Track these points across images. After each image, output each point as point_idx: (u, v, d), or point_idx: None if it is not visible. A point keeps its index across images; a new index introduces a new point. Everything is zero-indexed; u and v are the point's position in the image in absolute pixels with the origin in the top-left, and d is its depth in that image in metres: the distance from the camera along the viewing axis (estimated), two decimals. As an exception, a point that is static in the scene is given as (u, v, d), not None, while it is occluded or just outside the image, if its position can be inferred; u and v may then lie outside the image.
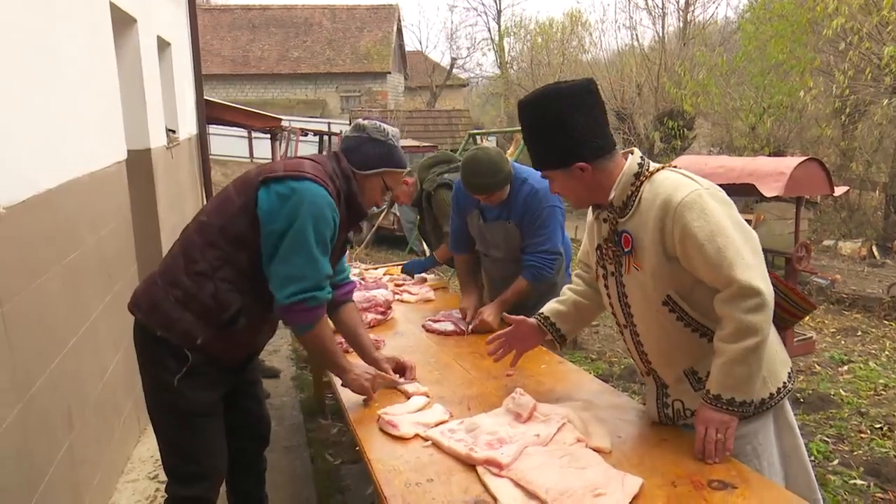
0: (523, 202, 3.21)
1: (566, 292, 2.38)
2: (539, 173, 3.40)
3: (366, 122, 2.32)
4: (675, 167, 1.94)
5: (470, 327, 3.17)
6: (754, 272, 1.73)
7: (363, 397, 2.36)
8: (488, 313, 3.18)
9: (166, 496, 2.31)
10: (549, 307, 2.39)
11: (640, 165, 1.90)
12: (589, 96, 1.88)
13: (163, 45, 5.72)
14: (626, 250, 1.92)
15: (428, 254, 4.99)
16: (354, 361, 2.44)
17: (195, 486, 2.24)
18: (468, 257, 3.58)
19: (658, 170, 1.90)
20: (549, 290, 3.14)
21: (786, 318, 2.03)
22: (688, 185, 1.82)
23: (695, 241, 1.75)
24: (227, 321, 2.13)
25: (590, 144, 1.87)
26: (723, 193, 1.85)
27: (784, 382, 1.95)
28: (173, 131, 5.81)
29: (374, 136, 2.29)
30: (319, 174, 2.15)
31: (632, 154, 1.94)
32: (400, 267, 4.56)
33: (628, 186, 1.89)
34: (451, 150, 14.49)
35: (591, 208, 2.08)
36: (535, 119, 1.93)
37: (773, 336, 1.90)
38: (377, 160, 2.28)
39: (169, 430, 2.25)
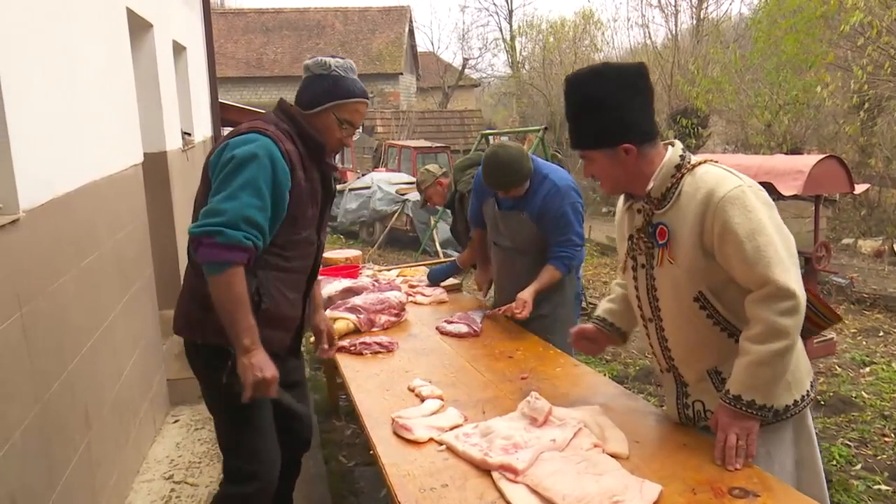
0: (543, 199, 3.24)
1: (616, 289, 2.33)
2: (560, 171, 3.44)
3: (309, 60, 2.26)
4: (716, 161, 1.89)
5: (501, 311, 3.28)
6: (791, 275, 1.71)
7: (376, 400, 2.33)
8: (528, 295, 3.20)
9: (217, 495, 2.31)
10: (603, 307, 2.35)
11: (682, 157, 1.87)
12: (641, 80, 1.86)
13: (178, 50, 5.76)
14: (660, 242, 1.88)
15: (442, 255, 4.98)
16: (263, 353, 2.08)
17: (250, 486, 2.23)
18: (485, 232, 3.67)
19: (700, 163, 1.87)
20: (555, 287, 3.29)
21: (809, 328, 1.97)
22: (731, 180, 1.78)
23: (734, 238, 1.72)
24: (254, 306, 2.09)
25: (637, 128, 1.85)
26: (765, 193, 1.81)
27: (807, 390, 1.91)
28: (189, 134, 5.85)
29: (316, 73, 2.22)
30: (255, 126, 2.13)
31: (672, 146, 1.90)
32: (413, 268, 4.57)
33: (668, 178, 1.86)
34: (464, 151, 14.49)
35: (622, 199, 2.05)
36: (585, 95, 1.88)
37: (798, 343, 1.85)
38: (323, 96, 2.21)
39: (227, 430, 2.27)
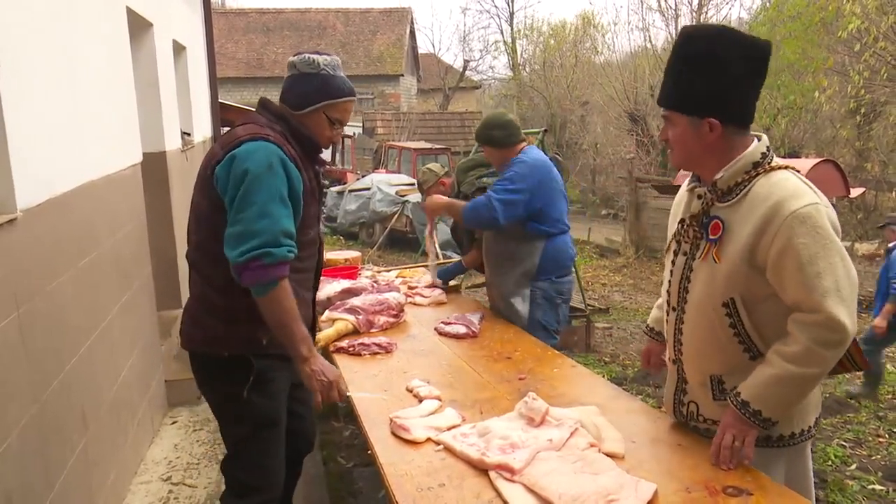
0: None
1: (663, 294, 2.14)
2: (534, 155, 3.46)
3: (295, 58, 2.21)
4: (797, 171, 1.76)
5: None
6: (845, 308, 1.62)
7: (376, 395, 2.33)
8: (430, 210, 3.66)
9: None
10: (653, 317, 2.28)
11: (764, 156, 1.75)
12: (761, 62, 1.73)
13: (178, 49, 5.76)
14: (711, 237, 1.77)
15: (441, 257, 4.99)
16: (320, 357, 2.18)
17: (253, 499, 2.23)
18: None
19: (780, 167, 1.74)
20: (516, 259, 3.44)
21: (836, 367, 1.82)
22: (808, 195, 1.66)
23: (795, 258, 1.63)
24: None
25: (734, 107, 1.72)
26: (836, 218, 1.70)
27: (810, 426, 1.85)
28: (188, 134, 5.85)
29: (304, 71, 2.18)
30: (254, 131, 2.08)
31: (758, 140, 1.78)
32: (412, 269, 4.57)
33: (741, 172, 1.74)
34: (464, 153, 14.50)
35: (686, 180, 1.94)
36: (697, 52, 1.72)
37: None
38: (314, 95, 2.17)
39: (239, 442, 2.24)
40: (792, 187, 1.68)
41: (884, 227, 5.65)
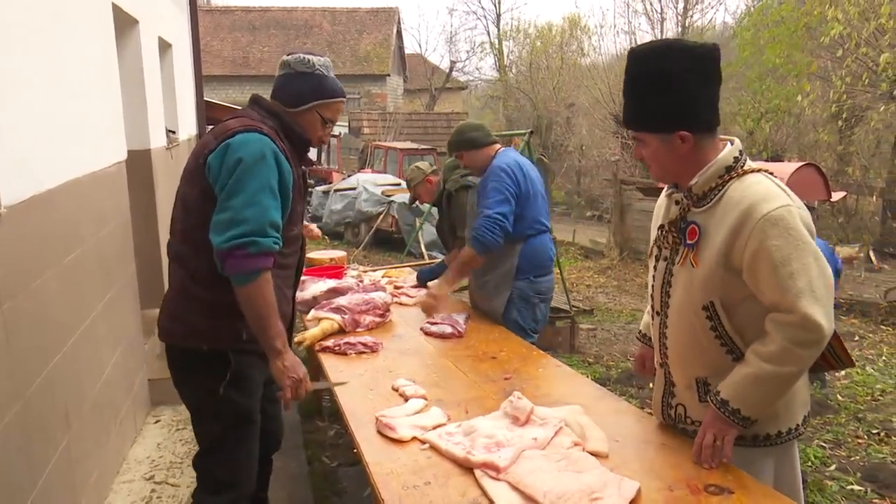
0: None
1: (649, 299, 2.14)
2: (508, 156, 3.47)
3: (290, 57, 2.24)
4: (771, 173, 1.78)
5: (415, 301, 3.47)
6: (820, 308, 1.63)
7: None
8: (434, 287, 3.44)
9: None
10: (644, 322, 2.28)
11: (736, 160, 1.76)
12: (711, 64, 1.74)
13: (164, 47, 5.72)
14: (688, 242, 1.80)
15: (427, 257, 5.00)
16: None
17: (226, 495, 2.23)
18: None
19: (752, 171, 1.76)
20: (496, 261, 3.41)
21: (820, 364, 1.86)
22: (780, 197, 1.68)
23: (769, 260, 1.64)
24: None
25: (699, 116, 1.74)
26: (810, 219, 1.72)
27: (797, 424, 1.86)
28: (173, 132, 5.82)
29: (299, 70, 2.21)
30: (248, 123, 2.09)
31: (731, 143, 1.80)
32: (398, 269, 4.58)
33: (715, 177, 1.76)
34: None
35: (667, 189, 1.95)
36: (648, 72, 1.76)
37: (804, 375, 1.82)
38: (308, 94, 2.20)
39: (215, 439, 2.23)
40: (763, 190, 1.70)
41: None
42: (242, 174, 1.99)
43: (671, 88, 1.72)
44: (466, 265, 3.41)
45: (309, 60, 2.20)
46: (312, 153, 2.41)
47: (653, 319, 2.01)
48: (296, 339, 2.85)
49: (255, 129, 2.07)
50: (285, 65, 2.24)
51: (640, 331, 2.32)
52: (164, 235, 4.69)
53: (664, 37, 18.71)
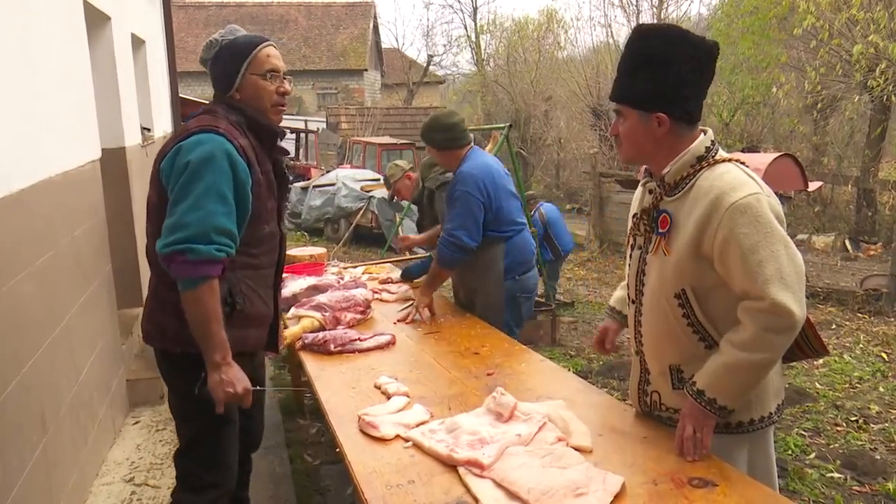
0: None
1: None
2: (480, 160, 3.42)
3: (201, 53, 2.20)
4: (742, 163, 1.81)
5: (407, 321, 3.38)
6: (790, 294, 1.64)
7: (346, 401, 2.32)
8: (421, 304, 3.40)
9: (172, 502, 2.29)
10: (615, 296, 2.31)
11: (708, 150, 1.79)
12: (708, 59, 1.78)
13: (137, 43, 5.64)
14: (660, 231, 1.83)
15: (407, 253, 4.98)
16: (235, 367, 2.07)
17: (206, 495, 2.21)
18: None
19: (723, 160, 1.79)
20: (484, 269, 3.42)
21: (794, 352, 1.89)
22: (748, 186, 1.70)
23: (738, 248, 1.66)
24: (228, 309, 2.07)
25: (683, 103, 1.77)
26: (780, 207, 1.74)
27: (770, 412, 1.88)
28: (148, 129, 5.74)
29: (213, 55, 2.16)
30: (204, 123, 2.05)
31: (704, 133, 1.83)
32: (378, 265, 4.56)
33: (687, 166, 1.79)
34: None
35: (642, 177, 1.97)
36: (648, 49, 1.78)
37: (777, 362, 1.83)
38: (231, 66, 2.13)
39: (195, 439, 2.22)
40: (732, 179, 1.72)
41: None
42: (189, 178, 1.95)
43: (664, 70, 1.75)
44: (436, 279, 3.45)
45: (212, 41, 2.17)
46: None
47: (629, 307, 2.03)
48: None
49: (210, 129, 2.02)
50: (202, 62, 2.20)
51: (610, 304, 2.33)
52: (141, 234, 4.67)
53: (641, 29, 18.80)
